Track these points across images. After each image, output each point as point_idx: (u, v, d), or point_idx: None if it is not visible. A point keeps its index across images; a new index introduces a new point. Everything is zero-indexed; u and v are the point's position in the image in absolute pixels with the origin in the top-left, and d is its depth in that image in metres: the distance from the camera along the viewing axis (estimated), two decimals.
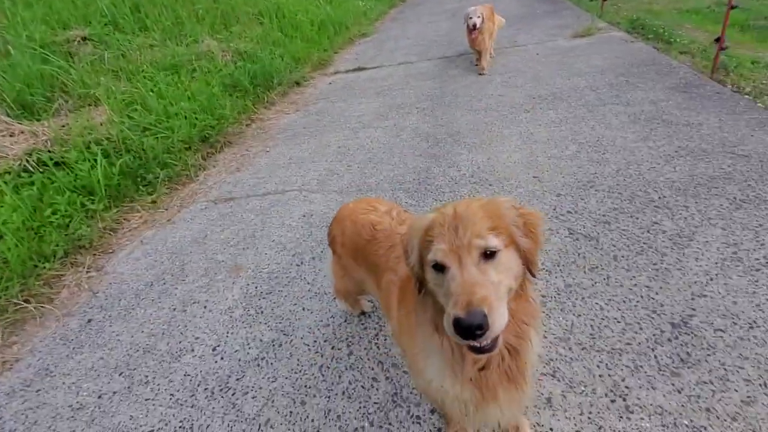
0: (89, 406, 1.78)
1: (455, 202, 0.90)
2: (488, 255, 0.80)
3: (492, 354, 0.84)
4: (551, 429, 1.36)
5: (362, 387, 1.64)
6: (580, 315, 1.75)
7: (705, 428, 1.28)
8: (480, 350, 0.80)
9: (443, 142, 3.48)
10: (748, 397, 1.34)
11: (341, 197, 2.94)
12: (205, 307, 2.19)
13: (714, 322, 1.60)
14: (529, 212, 0.90)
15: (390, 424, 1.49)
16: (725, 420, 1.29)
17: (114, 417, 1.71)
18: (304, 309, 2.07)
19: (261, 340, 1.93)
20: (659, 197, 2.35)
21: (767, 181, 2.32)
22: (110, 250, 2.84)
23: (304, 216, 2.82)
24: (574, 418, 1.38)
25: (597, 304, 1.79)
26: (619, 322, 1.68)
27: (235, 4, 6.06)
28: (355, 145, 3.70)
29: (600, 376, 1.49)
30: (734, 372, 1.42)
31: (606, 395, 1.42)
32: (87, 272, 2.61)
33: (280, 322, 2.01)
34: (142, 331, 2.11)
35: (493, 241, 0.80)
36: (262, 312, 2.10)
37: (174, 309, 2.21)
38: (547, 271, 2.01)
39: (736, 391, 1.36)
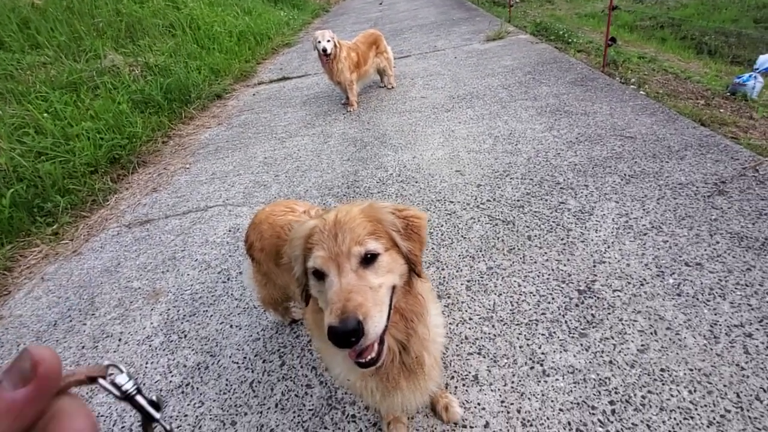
0: None
1: (337, 207, 0.90)
2: (368, 259, 0.80)
3: (378, 365, 0.83)
4: (479, 403, 1.42)
5: (296, 396, 1.58)
6: (501, 294, 1.85)
7: (609, 379, 1.41)
8: (365, 365, 0.80)
9: (370, 145, 3.52)
10: (642, 345, 1.50)
11: None
12: (119, 339, 2.00)
13: (612, 284, 1.78)
14: (412, 214, 0.91)
15: (326, 428, 1.45)
16: (625, 368, 1.43)
17: None
18: (232, 326, 1.97)
19: (185, 366, 1.80)
20: (564, 179, 2.57)
21: (649, 157, 2.64)
22: (5, 292, 2.50)
23: (229, 231, 2.69)
24: (498, 389, 1.45)
25: (515, 281, 1.90)
26: (534, 295, 1.80)
27: (142, 16, 5.61)
28: (282, 155, 3.62)
29: (520, 347, 1.58)
30: (630, 325, 1.58)
31: (525, 364, 1.51)
32: None
33: (205, 344, 1.89)
34: None
35: (372, 245, 0.80)
36: (185, 336, 1.96)
37: (83, 347, 1.99)
38: (471, 257, 2.11)
39: (632, 342, 1.52)
